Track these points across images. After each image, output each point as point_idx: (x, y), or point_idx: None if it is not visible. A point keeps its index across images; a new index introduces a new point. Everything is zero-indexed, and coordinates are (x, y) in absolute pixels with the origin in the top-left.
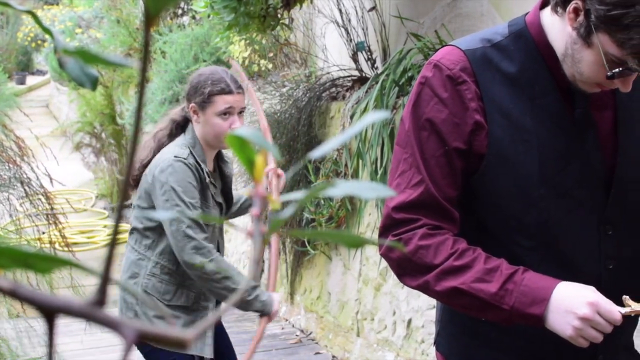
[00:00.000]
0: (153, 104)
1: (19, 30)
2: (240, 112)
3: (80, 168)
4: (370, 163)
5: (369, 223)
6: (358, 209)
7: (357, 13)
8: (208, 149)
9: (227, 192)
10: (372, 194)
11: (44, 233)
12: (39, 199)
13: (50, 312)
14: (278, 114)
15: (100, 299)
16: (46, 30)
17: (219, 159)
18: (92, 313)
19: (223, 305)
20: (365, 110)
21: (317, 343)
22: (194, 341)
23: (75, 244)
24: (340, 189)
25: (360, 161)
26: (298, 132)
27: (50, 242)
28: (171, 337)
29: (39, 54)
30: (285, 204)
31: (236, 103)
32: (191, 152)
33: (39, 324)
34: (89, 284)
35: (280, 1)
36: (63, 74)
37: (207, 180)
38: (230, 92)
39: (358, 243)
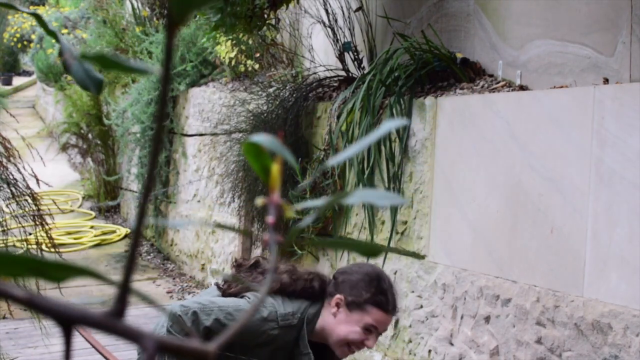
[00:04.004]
0: (140, 104)
1: (5, 31)
2: (380, 333)
3: (67, 169)
4: (357, 163)
5: (356, 223)
6: (345, 209)
7: (343, 13)
8: (319, 336)
9: None
10: (386, 202)
11: (30, 234)
12: (26, 200)
13: (67, 322)
14: (265, 115)
15: (120, 309)
16: (51, 34)
17: (327, 354)
18: (111, 324)
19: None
20: (352, 110)
21: None
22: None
23: (62, 244)
24: (356, 197)
25: (347, 161)
26: (285, 133)
27: (37, 243)
28: (192, 350)
29: (25, 55)
30: (303, 213)
31: (385, 325)
32: (299, 326)
33: (25, 326)
34: (76, 285)
35: (267, 1)
36: (49, 74)
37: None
38: (387, 311)
39: (376, 252)
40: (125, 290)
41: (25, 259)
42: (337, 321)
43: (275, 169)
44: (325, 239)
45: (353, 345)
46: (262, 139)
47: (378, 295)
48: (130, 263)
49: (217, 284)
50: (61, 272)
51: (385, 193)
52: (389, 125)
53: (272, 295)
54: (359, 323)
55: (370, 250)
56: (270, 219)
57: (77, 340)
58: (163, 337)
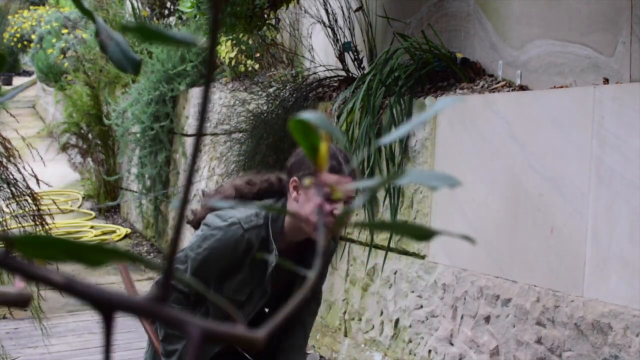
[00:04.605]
0: (140, 104)
1: (5, 31)
2: (348, 201)
3: (67, 169)
4: (358, 163)
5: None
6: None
7: (343, 13)
8: (293, 231)
9: (289, 287)
10: (438, 183)
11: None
12: (26, 200)
13: (108, 309)
14: (265, 114)
15: (163, 294)
16: (87, 13)
17: (309, 247)
18: (154, 310)
19: (295, 300)
20: (352, 110)
21: None
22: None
23: None
24: (410, 177)
25: None
26: (285, 133)
27: None
28: (241, 336)
29: (25, 55)
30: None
31: (345, 188)
32: (265, 225)
33: (25, 326)
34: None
35: (267, 1)
36: (49, 74)
37: (273, 262)
38: (340, 172)
39: (426, 235)
40: (168, 276)
41: (63, 241)
42: (300, 205)
43: (324, 147)
44: (373, 222)
45: None
46: (310, 116)
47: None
48: (173, 247)
49: (187, 221)
50: (99, 255)
51: (438, 174)
52: (443, 103)
53: (230, 204)
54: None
55: (421, 233)
56: (317, 199)
57: (74, 341)
58: (209, 324)
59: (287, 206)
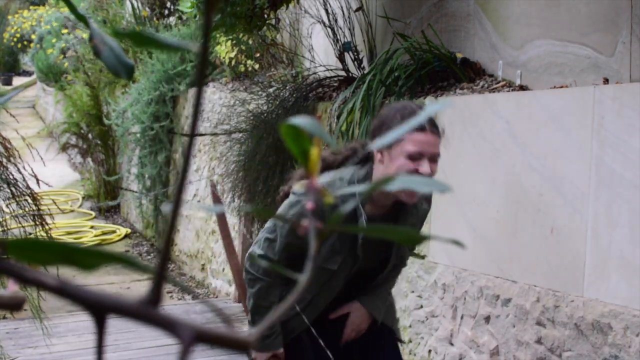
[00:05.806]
0: (140, 104)
1: (5, 31)
2: (433, 158)
3: (67, 169)
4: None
5: None
6: None
7: (343, 13)
8: (381, 196)
9: (387, 249)
10: (427, 188)
11: (30, 234)
12: (26, 200)
13: (100, 311)
14: (265, 114)
15: (155, 297)
16: (81, 18)
17: (401, 210)
18: (146, 312)
19: (285, 302)
20: (352, 110)
21: None
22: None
23: None
24: (399, 182)
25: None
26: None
27: None
28: (233, 340)
29: (25, 55)
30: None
31: (428, 145)
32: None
33: (25, 326)
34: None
35: (267, 1)
36: (49, 74)
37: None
38: (422, 130)
39: (413, 239)
40: (160, 279)
41: (57, 245)
42: (385, 166)
43: (315, 152)
44: (362, 226)
45: None
46: (301, 121)
47: (407, 119)
48: (166, 249)
49: (279, 197)
50: (93, 259)
51: (427, 179)
52: (433, 107)
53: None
54: (402, 154)
55: (408, 237)
56: (309, 204)
57: (74, 341)
58: (201, 326)
59: (373, 170)
